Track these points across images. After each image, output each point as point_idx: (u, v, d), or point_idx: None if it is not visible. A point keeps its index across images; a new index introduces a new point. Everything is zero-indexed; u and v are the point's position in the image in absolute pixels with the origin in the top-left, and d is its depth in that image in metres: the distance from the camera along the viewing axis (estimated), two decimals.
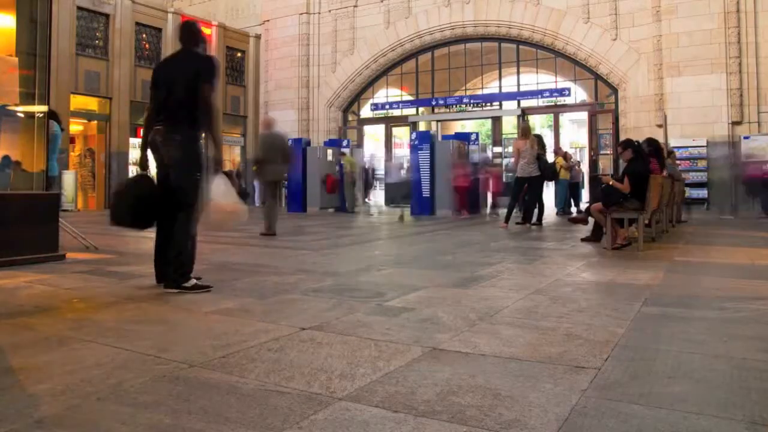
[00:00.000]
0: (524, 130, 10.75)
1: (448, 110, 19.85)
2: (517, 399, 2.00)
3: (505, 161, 17.82)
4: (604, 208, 6.70)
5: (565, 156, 14.90)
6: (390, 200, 18.81)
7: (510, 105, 18.76)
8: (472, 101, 19.70)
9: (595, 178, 15.50)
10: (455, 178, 13.20)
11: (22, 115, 6.03)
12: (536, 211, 10.35)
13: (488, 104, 19.33)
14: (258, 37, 22.04)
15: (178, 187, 4.01)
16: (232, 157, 22.69)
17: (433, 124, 20.02)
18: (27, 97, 5.77)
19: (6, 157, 6.04)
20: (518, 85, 18.63)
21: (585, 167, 18.70)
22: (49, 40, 5.85)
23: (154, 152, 4.16)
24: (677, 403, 1.96)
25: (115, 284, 4.41)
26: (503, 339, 2.78)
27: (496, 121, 19.16)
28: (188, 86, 4.01)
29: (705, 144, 14.60)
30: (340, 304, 3.58)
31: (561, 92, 17.90)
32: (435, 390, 2.09)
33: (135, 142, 18.91)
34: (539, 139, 11.12)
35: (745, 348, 2.65)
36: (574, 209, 14.67)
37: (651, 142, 8.29)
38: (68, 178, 16.18)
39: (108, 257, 6.09)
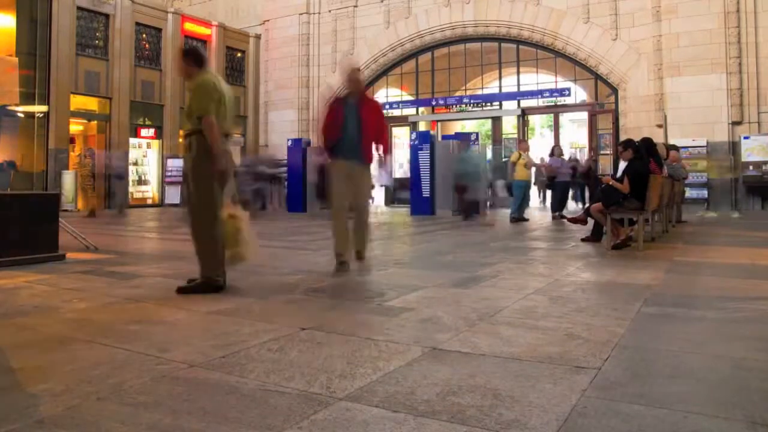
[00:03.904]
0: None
1: (448, 110, 19.85)
2: (517, 399, 2.00)
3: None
4: (604, 208, 6.70)
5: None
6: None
7: (510, 105, 18.76)
8: (472, 101, 19.70)
9: (595, 178, 15.49)
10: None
11: (21, 115, 6.04)
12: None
13: (488, 104, 19.33)
14: (258, 37, 22.03)
15: None
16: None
17: (433, 123, 20.02)
18: (27, 97, 5.78)
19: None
20: (518, 85, 18.63)
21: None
22: (49, 40, 5.88)
23: None
24: (677, 403, 1.96)
25: (115, 284, 4.41)
26: (503, 339, 2.78)
27: (496, 121, 19.16)
28: None
29: (705, 144, 14.60)
30: (340, 304, 3.58)
31: (561, 92, 17.90)
32: (435, 390, 2.09)
33: (135, 142, 18.92)
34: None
35: (745, 348, 2.64)
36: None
37: (644, 141, 8.28)
38: (68, 178, 16.18)
39: (108, 257, 6.08)
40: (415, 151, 14.30)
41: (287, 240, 8.10)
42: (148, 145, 19.39)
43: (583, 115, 18.56)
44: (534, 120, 25.13)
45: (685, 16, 14.74)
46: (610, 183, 6.95)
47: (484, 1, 17.90)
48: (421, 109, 20.13)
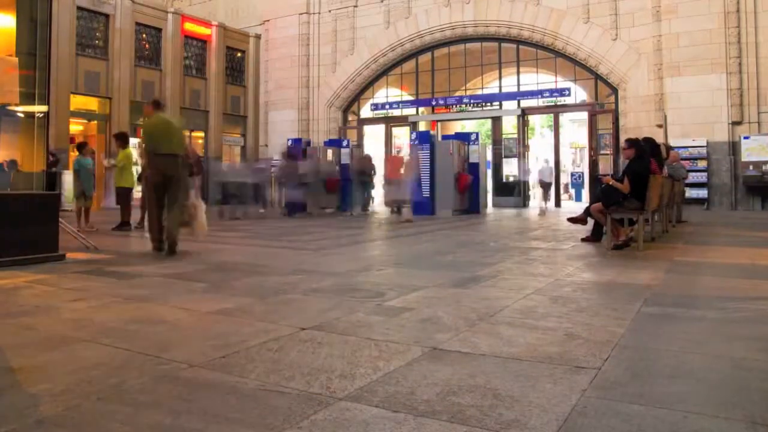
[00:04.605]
0: None
1: (448, 110, 19.85)
2: (517, 399, 2.00)
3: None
4: (604, 208, 6.69)
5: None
6: None
7: (510, 105, 18.77)
8: (472, 101, 19.71)
9: (595, 178, 15.53)
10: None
11: (21, 115, 6.03)
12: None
13: (488, 104, 19.34)
14: (258, 37, 22.03)
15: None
16: (233, 157, 22.69)
17: (433, 123, 20.03)
18: (27, 97, 5.77)
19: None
20: (518, 85, 18.64)
21: (585, 167, 18.72)
22: (49, 40, 5.85)
23: None
24: (677, 403, 1.96)
25: (115, 284, 4.40)
26: (503, 339, 2.78)
27: (496, 121, 19.17)
28: None
29: (705, 144, 14.61)
30: (340, 304, 3.58)
31: (561, 92, 17.91)
32: (435, 390, 2.08)
33: (134, 141, 18.90)
34: None
35: (745, 348, 2.64)
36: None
37: (647, 141, 8.28)
38: (68, 178, 16.17)
39: (108, 257, 6.08)
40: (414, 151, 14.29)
41: (287, 240, 8.10)
42: None
43: (583, 115, 18.57)
44: (534, 120, 25.13)
45: (685, 16, 14.75)
46: (610, 183, 6.95)
47: (484, 1, 17.91)
48: (421, 109, 20.14)
